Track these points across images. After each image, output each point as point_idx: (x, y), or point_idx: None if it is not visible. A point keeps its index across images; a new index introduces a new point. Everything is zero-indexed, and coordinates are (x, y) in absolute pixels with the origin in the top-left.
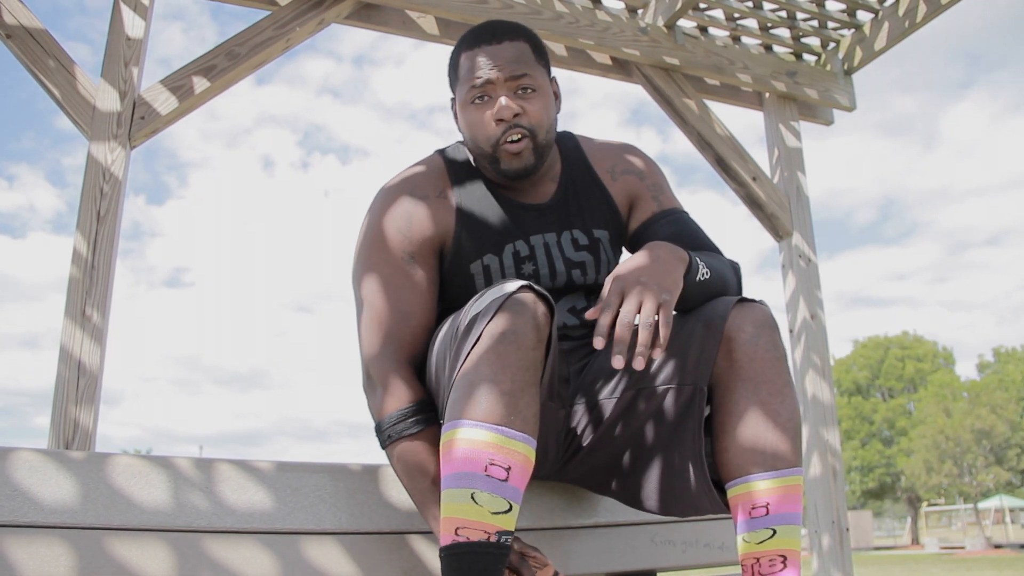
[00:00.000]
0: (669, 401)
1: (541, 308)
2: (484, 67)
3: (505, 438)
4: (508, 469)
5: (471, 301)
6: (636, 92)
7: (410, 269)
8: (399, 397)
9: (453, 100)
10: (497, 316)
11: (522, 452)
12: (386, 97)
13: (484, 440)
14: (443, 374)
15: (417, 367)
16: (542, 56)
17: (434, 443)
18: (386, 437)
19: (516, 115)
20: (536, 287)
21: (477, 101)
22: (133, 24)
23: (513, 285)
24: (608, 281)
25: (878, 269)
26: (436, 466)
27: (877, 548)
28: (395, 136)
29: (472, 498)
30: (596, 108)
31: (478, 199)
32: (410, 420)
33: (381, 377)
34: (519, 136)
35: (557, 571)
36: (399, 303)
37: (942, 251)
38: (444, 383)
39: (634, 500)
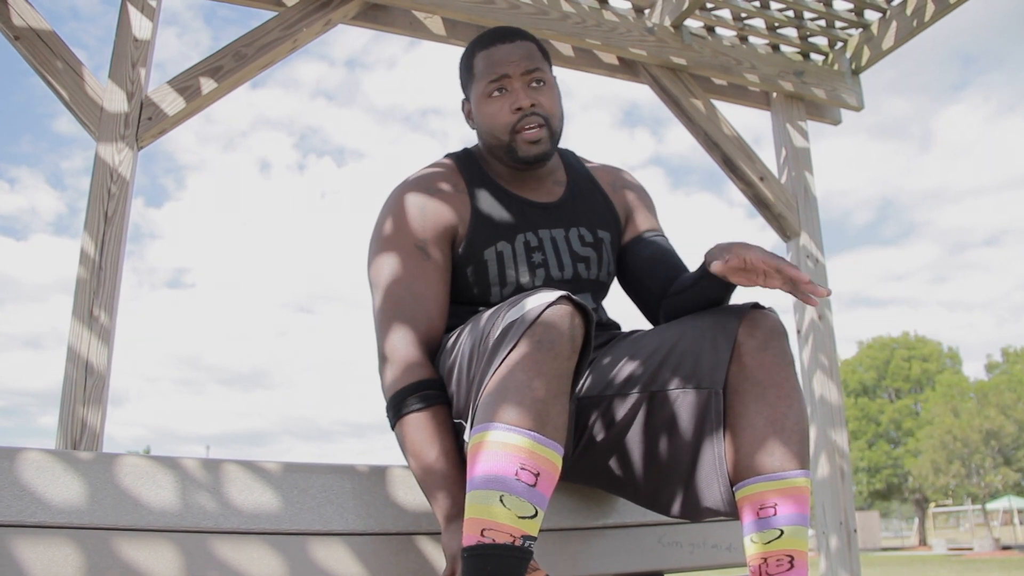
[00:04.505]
0: (686, 404)
1: (578, 319)
2: (501, 63)
3: (537, 444)
4: (537, 475)
5: (504, 306)
6: (629, 94)
7: (424, 255)
8: (410, 373)
9: (464, 101)
10: (535, 325)
11: (551, 459)
12: (379, 100)
13: (516, 444)
14: (464, 375)
15: (430, 349)
16: (546, 57)
17: (442, 420)
18: (395, 411)
19: (532, 104)
20: (574, 298)
21: (495, 94)
22: (140, 25)
23: (552, 295)
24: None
25: (877, 270)
26: (441, 442)
27: (884, 549)
28: (390, 138)
29: (500, 501)
30: (587, 110)
31: (490, 195)
32: (419, 394)
33: (394, 355)
34: (535, 125)
35: (548, 574)
36: (413, 287)
37: (940, 251)
38: (467, 383)
39: (652, 503)
